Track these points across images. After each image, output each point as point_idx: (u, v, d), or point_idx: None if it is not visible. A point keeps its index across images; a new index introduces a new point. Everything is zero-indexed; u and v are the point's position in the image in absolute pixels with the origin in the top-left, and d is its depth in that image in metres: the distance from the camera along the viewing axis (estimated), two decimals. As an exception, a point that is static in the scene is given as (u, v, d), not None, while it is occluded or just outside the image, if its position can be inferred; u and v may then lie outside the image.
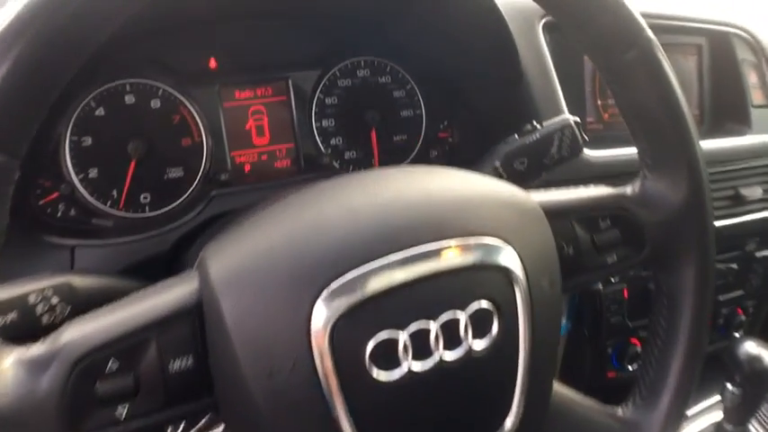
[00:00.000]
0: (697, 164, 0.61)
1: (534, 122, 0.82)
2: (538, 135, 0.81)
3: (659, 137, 0.61)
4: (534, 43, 0.96)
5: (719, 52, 1.15)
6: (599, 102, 1.04)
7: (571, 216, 0.59)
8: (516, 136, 0.82)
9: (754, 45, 1.17)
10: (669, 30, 1.09)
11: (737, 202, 1.14)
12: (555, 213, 0.56)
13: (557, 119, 0.82)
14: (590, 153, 0.96)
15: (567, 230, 0.59)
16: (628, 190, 0.63)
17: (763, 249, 1.20)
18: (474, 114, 1.03)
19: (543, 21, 0.97)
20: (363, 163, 1.00)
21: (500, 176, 0.81)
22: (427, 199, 0.47)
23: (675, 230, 0.61)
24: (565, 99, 0.96)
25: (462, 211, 0.47)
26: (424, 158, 1.04)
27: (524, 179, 0.81)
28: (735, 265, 1.17)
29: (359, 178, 0.51)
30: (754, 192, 1.15)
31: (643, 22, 0.57)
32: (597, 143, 0.99)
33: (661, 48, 0.59)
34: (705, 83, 1.14)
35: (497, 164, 0.81)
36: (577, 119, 0.82)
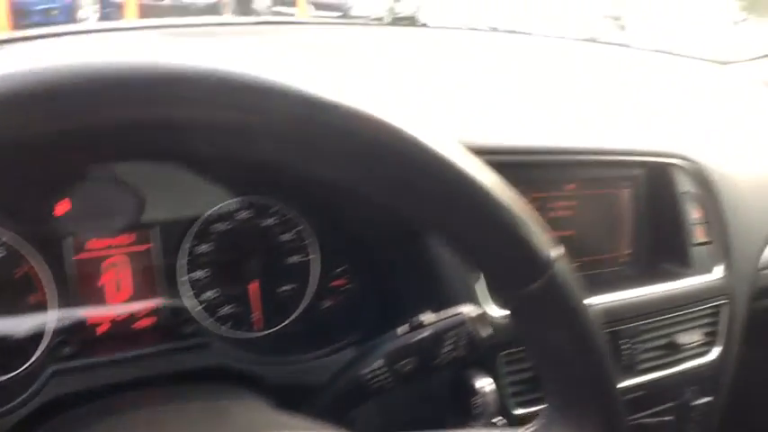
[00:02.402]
0: (613, 413, 0.53)
1: (422, 318, 0.70)
2: (428, 332, 0.69)
3: (570, 380, 0.52)
4: None
5: (658, 185, 1.04)
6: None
7: None
8: (405, 328, 0.70)
9: (699, 176, 1.06)
10: (601, 164, 0.98)
11: (673, 351, 1.03)
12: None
13: (454, 311, 0.70)
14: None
15: None
16: None
17: (702, 397, 1.09)
18: (376, 263, 0.90)
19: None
20: (242, 319, 0.87)
21: (384, 377, 0.69)
22: None
23: None
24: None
25: None
26: (314, 310, 0.91)
27: (410, 382, 0.70)
28: (671, 417, 1.06)
29: None
30: (692, 337, 1.04)
31: (544, 244, 0.47)
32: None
33: (570, 272, 0.49)
34: (641, 219, 1.03)
35: (379, 364, 0.69)
36: (481, 310, 0.70)
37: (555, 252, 0.48)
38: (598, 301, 0.93)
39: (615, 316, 0.95)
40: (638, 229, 1.03)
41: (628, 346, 0.96)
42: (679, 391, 1.07)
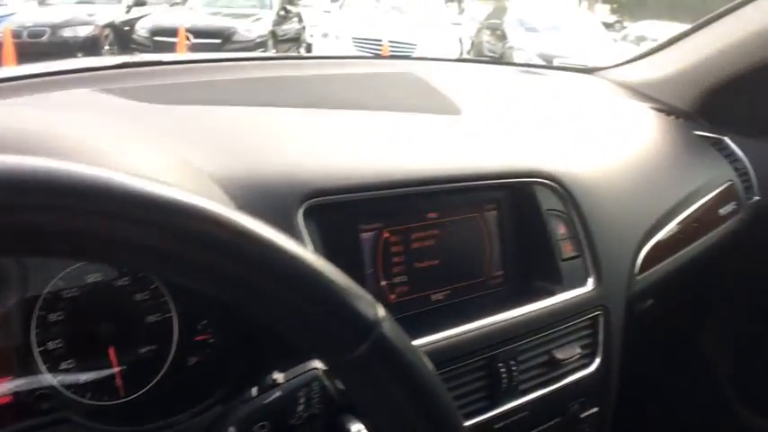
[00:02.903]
0: None
1: (275, 376, 0.67)
2: (280, 392, 0.67)
3: None
4: (290, 231, 0.81)
5: (523, 204, 1.05)
6: (383, 282, 0.90)
7: None
8: (254, 391, 0.67)
9: (561, 193, 1.07)
10: (462, 190, 0.97)
11: (553, 368, 1.03)
12: None
13: (305, 366, 0.68)
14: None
15: None
16: None
17: (589, 408, 1.10)
18: (235, 315, 0.87)
19: (304, 206, 0.82)
20: (104, 387, 0.83)
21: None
22: None
23: None
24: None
25: None
26: (180, 369, 0.87)
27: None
28: (559, 433, 1.07)
29: None
30: (571, 351, 1.05)
31: (364, 307, 0.46)
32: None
33: (396, 329, 0.48)
34: (508, 239, 1.03)
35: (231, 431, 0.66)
36: None
37: (378, 312, 0.47)
38: (472, 327, 0.92)
39: (491, 340, 0.95)
40: (507, 249, 1.04)
41: (506, 368, 0.96)
42: (565, 406, 1.08)
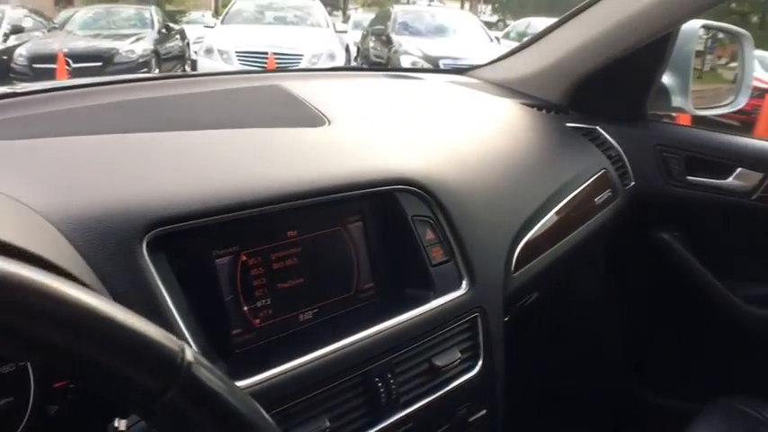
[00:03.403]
0: None
1: (116, 424, 0.62)
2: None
3: None
4: (135, 266, 0.76)
5: (387, 213, 1.03)
6: (245, 308, 0.86)
7: None
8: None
9: (426, 199, 1.06)
10: (322, 204, 0.94)
11: (435, 375, 1.01)
12: None
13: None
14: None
15: None
16: None
17: (476, 412, 1.09)
18: None
19: (147, 238, 0.77)
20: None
21: None
22: None
23: None
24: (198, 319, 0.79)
25: None
26: (41, 419, 0.81)
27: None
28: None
29: None
30: (451, 357, 1.03)
31: (166, 350, 0.44)
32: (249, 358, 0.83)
33: (207, 367, 0.47)
34: (376, 249, 1.00)
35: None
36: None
37: (185, 355, 0.45)
38: (344, 343, 0.89)
39: (366, 354, 0.92)
40: (376, 260, 1.01)
41: (384, 382, 0.93)
42: (451, 413, 1.05)
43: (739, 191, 1.81)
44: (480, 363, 1.08)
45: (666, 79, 1.91)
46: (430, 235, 1.04)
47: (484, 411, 1.11)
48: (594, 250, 1.73)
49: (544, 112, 1.77)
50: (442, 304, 1.02)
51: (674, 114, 3.40)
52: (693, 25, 1.91)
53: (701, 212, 1.89)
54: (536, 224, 1.33)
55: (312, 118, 1.20)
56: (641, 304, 2.06)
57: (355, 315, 0.96)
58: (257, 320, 0.88)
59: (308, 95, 1.30)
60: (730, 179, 1.82)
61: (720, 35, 2.39)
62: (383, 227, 1.02)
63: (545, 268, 1.36)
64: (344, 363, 0.89)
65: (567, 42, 1.77)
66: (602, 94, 1.85)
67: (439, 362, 1.01)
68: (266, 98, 1.31)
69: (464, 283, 1.07)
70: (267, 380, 0.80)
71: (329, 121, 1.19)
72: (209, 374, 0.46)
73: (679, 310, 2.00)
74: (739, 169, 1.81)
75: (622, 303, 2.07)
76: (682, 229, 1.91)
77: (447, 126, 1.42)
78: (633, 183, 1.85)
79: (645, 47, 1.69)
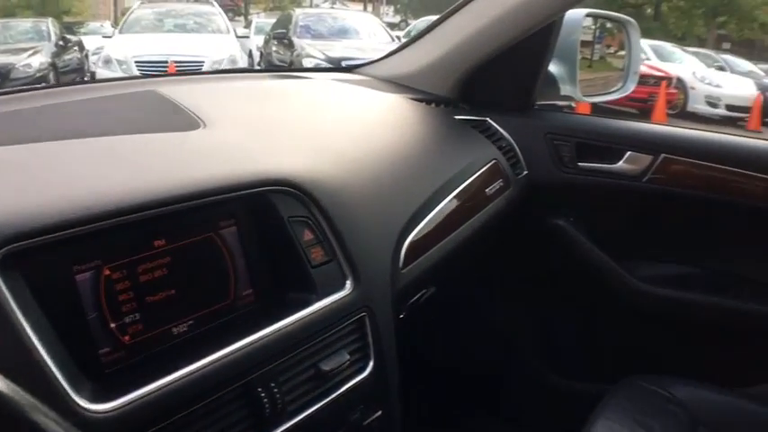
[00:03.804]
0: None
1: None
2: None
3: None
4: None
5: (263, 215, 0.99)
6: (112, 325, 0.81)
7: None
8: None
9: (302, 199, 1.03)
10: (190, 210, 0.89)
11: (323, 380, 0.98)
12: None
13: None
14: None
15: None
16: None
17: (371, 414, 1.06)
18: None
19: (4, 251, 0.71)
20: None
21: None
22: None
23: None
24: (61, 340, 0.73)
25: None
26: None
27: None
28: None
29: None
30: (340, 359, 1.00)
31: None
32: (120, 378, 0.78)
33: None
34: (253, 254, 0.97)
35: None
36: None
37: None
38: (221, 354, 0.85)
39: (246, 364, 0.88)
40: (254, 265, 0.97)
41: (267, 391, 0.89)
42: (344, 417, 1.03)
43: (630, 174, 1.85)
44: (371, 364, 1.06)
45: (554, 69, 1.94)
46: (308, 236, 1.01)
47: (379, 413, 1.08)
48: (491, 240, 1.73)
49: (433, 105, 1.77)
50: (326, 306, 0.99)
51: (573, 105, 3.47)
52: (578, 14, 1.95)
53: (594, 197, 1.93)
54: (424, 218, 1.32)
55: (186, 121, 1.15)
56: (543, 291, 2.08)
57: (234, 323, 0.93)
58: (126, 337, 0.83)
59: (184, 99, 1.25)
60: (620, 163, 1.86)
61: (609, 25, 2.45)
62: (259, 230, 0.98)
63: (438, 262, 1.35)
64: (223, 374, 0.85)
65: (453, 37, 1.78)
66: (491, 85, 1.86)
67: (326, 366, 0.98)
68: (139, 104, 1.25)
69: (348, 282, 1.04)
70: (140, 398, 0.76)
71: (204, 124, 1.15)
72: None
73: (580, 293, 2.03)
74: (629, 153, 1.85)
75: (524, 291, 2.08)
76: (577, 215, 1.94)
77: (329, 124, 1.39)
78: (526, 172, 1.87)
79: (528, 38, 1.71)
